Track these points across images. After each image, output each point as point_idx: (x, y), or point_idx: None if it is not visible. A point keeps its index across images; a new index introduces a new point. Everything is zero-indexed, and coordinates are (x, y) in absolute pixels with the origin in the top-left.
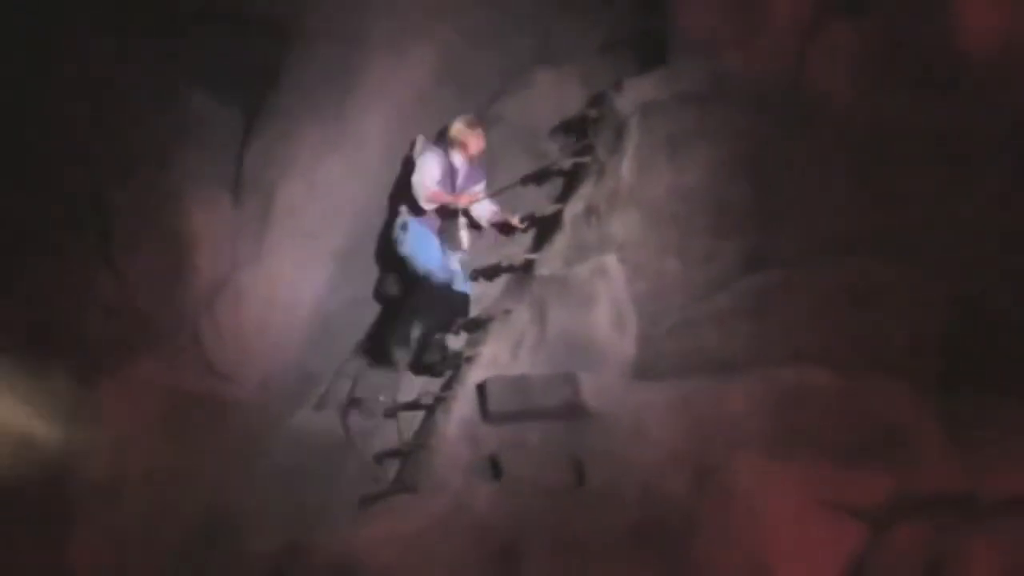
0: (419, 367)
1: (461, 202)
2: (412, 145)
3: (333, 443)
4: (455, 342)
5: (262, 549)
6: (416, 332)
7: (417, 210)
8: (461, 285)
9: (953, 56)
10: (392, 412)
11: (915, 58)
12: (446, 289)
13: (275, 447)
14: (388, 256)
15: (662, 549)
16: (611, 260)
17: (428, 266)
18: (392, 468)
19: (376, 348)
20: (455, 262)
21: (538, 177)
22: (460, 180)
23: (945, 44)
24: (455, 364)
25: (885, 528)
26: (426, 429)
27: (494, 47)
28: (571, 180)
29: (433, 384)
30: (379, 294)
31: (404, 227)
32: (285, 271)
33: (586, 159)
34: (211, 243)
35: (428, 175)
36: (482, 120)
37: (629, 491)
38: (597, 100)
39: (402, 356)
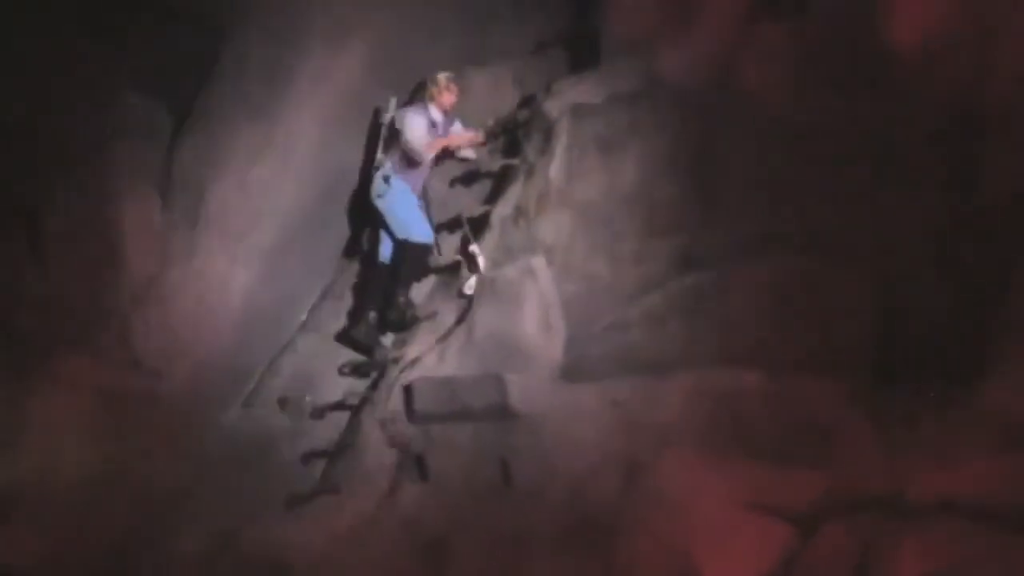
0: (381, 325)
1: (458, 141)
2: (381, 110)
3: (263, 440)
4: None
5: (194, 547)
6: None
7: (402, 167)
8: (425, 234)
9: (881, 56)
10: (319, 413)
11: (843, 58)
12: (423, 250)
13: (205, 444)
14: (363, 213)
15: (590, 548)
16: (539, 262)
17: (409, 225)
18: (320, 467)
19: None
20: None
21: (467, 179)
22: (440, 132)
23: (873, 44)
24: (414, 323)
25: (814, 528)
26: (352, 429)
27: (427, 47)
28: (500, 182)
29: (359, 385)
30: (351, 251)
31: (387, 180)
32: (215, 269)
33: (515, 161)
34: (141, 241)
35: (419, 130)
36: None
37: (557, 491)
38: (527, 102)
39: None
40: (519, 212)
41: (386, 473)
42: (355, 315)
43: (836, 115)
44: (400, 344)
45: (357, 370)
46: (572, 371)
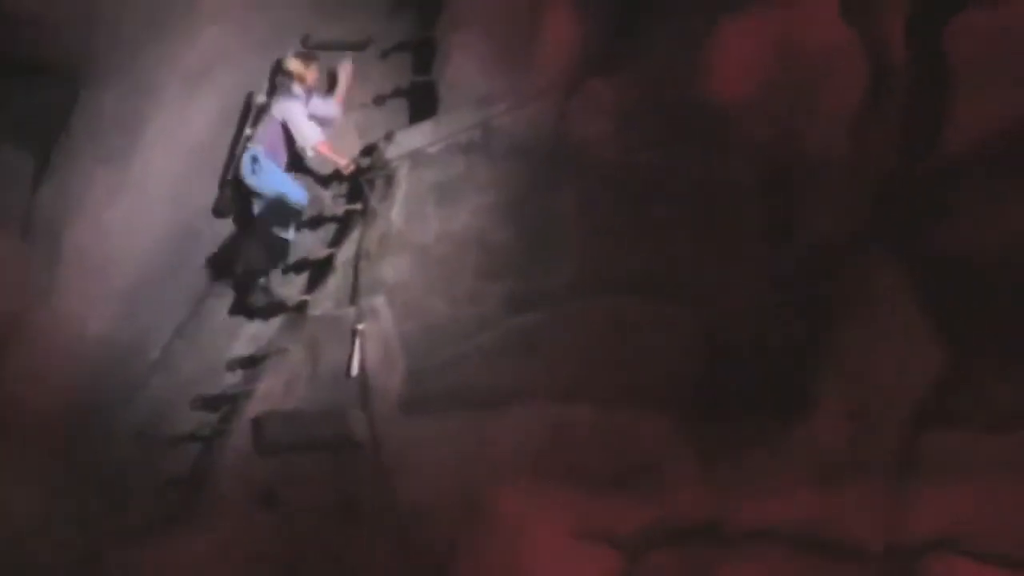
0: (246, 309)
1: (342, 164)
2: (254, 95)
3: (120, 471)
4: (283, 288)
5: (54, 572)
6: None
7: (271, 149)
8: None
9: (709, 109)
10: (175, 442)
11: (673, 111)
12: (296, 208)
13: (64, 475)
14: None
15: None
16: (380, 301)
17: (284, 189)
18: (175, 497)
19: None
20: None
21: (313, 223)
22: (311, 110)
23: (695, 97)
24: (281, 311)
25: (642, 555)
26: (204, 460)
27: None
28: (344, 226)
29: (211, 417)
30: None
31: (255, 160)
32: (72, 308)
33: (357, 206)
34: (3, 285)
35: (308, 129)
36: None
37: (398, 521)
38: (369, 150)
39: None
40: (361, 254)
41: (238, 503)
42: (244, 288)
43: (665, 166)
44: (250, 379)
45: (208, 404)
46: (412, 405)
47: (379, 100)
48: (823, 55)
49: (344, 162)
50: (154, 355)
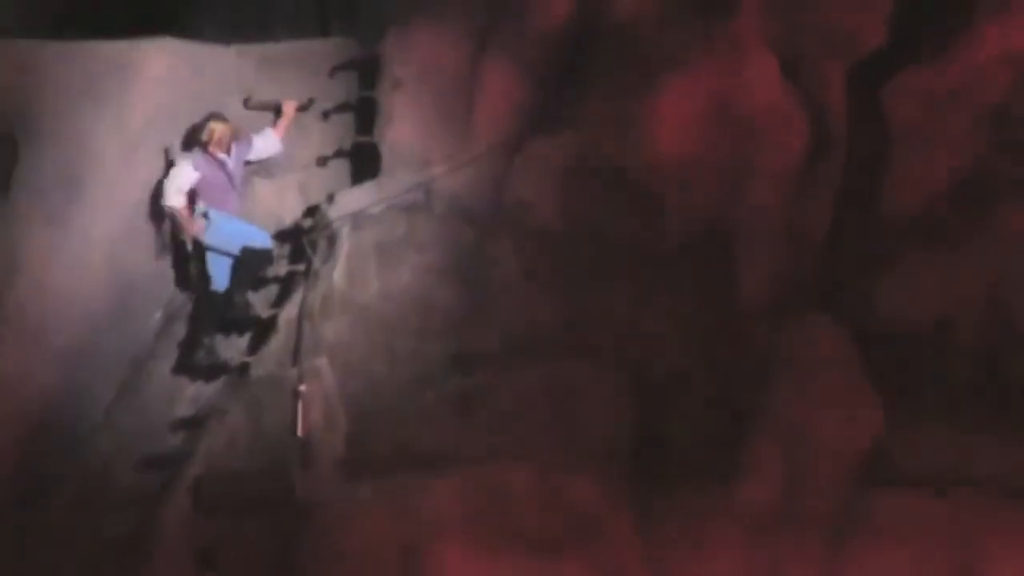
0: (226, 324)
1: (189, 232)
2: (169, 151)
3: (60, 535)
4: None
5: None
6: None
7: (211, 200)
8: (263, 240)
9: (648, 169)
10: (117, 504)
11: (611, 171)
12: (264, 255)
13: (7, 538)
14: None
15: None
16: (323, 362)
17: (246, 237)
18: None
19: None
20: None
21: (256, 283)
22: (231, 167)
23: (639, 159)
24: (223, 371)
25: None
26: (146, 521)
27: None
28: (286, 286)
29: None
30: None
31: (206, 215)
32: (13, 369)
33: (300, 267)
34: None
35: (175, 191)
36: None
37: None
38: (311, 211)
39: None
40: (304, 315)
41: (179, 564)
42: (192, 343)
43: (604, 225)
44: (192, 440)
45: (150, 465)
46: (353, 465)
47: (321, 161)
48: (763, 115)
49: (191, 231)
50: (96, 415)
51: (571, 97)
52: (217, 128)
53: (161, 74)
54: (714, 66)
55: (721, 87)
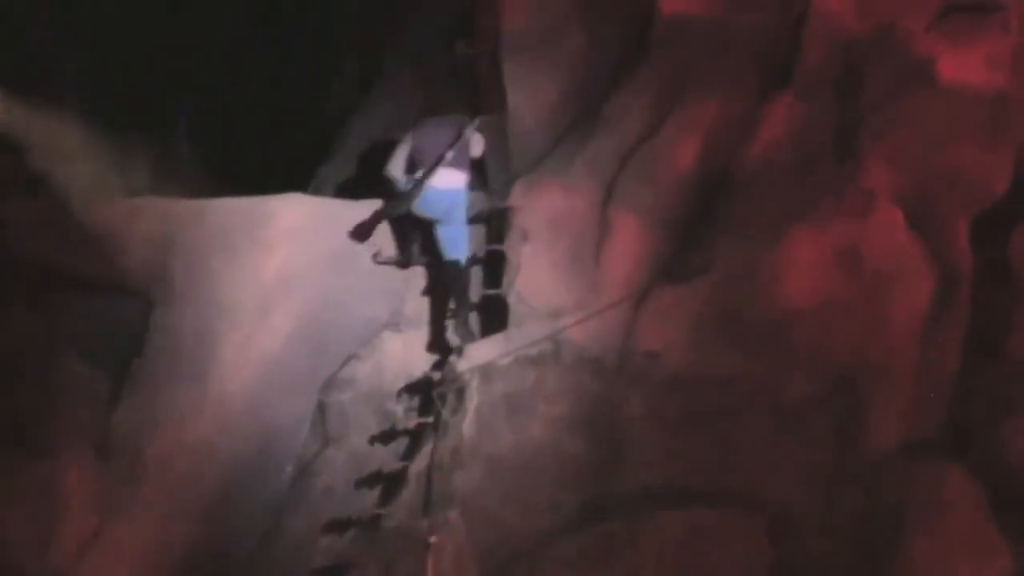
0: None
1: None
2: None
3: None
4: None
5: None
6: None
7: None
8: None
9: (777, 316)
10: None
11: (740, 319)
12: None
13: None
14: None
15: None
16: (453, 514)
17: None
18: None
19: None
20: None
21: (385, 437)
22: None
23: (768, 308)
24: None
25: None
26: None
27: (347, 315)
28: (416, 438)
29: None
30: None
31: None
32: (155, 523)
33: (429, 419)
34: (82, 500)
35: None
36: None
37: None
38: (440, 364)
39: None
40: (434, 466)
41: None
42: (439, 325)
43: (734, 372)
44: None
45: None
46: None
47: (452, 314)
48: (889, 262)
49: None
50: (236, 571)
51: (699, 246)
52: None
53: (293, 228)
54: (842, 216)
55: (848, 234)
